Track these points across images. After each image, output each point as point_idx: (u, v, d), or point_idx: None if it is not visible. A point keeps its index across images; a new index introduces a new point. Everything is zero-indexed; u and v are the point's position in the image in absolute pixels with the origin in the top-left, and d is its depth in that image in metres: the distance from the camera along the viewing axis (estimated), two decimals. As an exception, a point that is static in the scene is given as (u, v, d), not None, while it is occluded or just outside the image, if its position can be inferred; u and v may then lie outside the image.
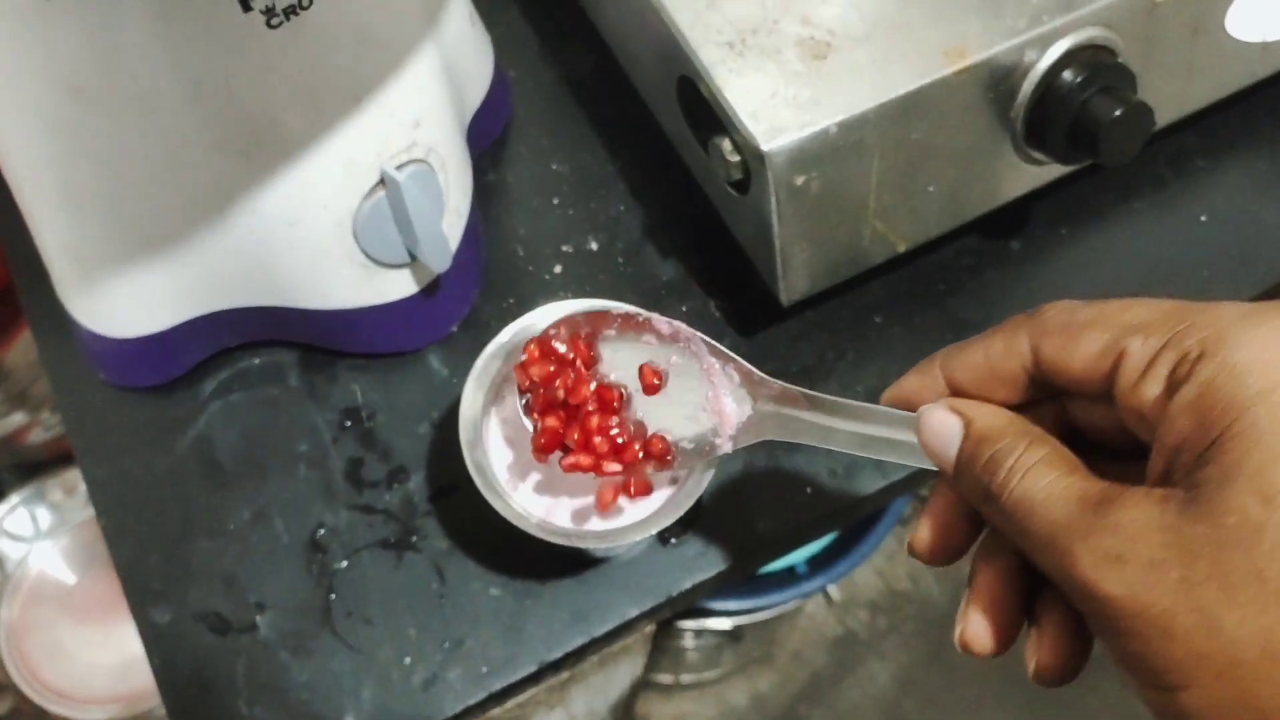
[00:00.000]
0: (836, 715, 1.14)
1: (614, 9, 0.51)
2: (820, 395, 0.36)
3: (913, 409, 0.32)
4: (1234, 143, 0.54)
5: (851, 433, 0.34)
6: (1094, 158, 0.44)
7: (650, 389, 0.39)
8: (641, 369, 0.39)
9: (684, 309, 0.51)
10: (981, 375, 0.31)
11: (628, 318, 0.39)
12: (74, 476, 0.88)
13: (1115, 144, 0.43)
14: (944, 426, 0.30)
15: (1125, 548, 0.24)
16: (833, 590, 1.07)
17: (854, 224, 0.45)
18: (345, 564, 0.46)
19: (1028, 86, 0.44)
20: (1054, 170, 0.48)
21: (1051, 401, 0.31)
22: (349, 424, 0.48)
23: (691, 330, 0.39)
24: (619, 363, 0.39)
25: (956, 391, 0.32)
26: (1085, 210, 0.53)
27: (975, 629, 0.29)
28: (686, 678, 1.07)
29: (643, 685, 0.98)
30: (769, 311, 0.50)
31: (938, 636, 1.18)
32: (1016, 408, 0.31)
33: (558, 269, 0.52)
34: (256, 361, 0.49)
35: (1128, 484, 0.25)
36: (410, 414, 0.48)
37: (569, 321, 0.40)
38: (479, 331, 0.50)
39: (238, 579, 0.45)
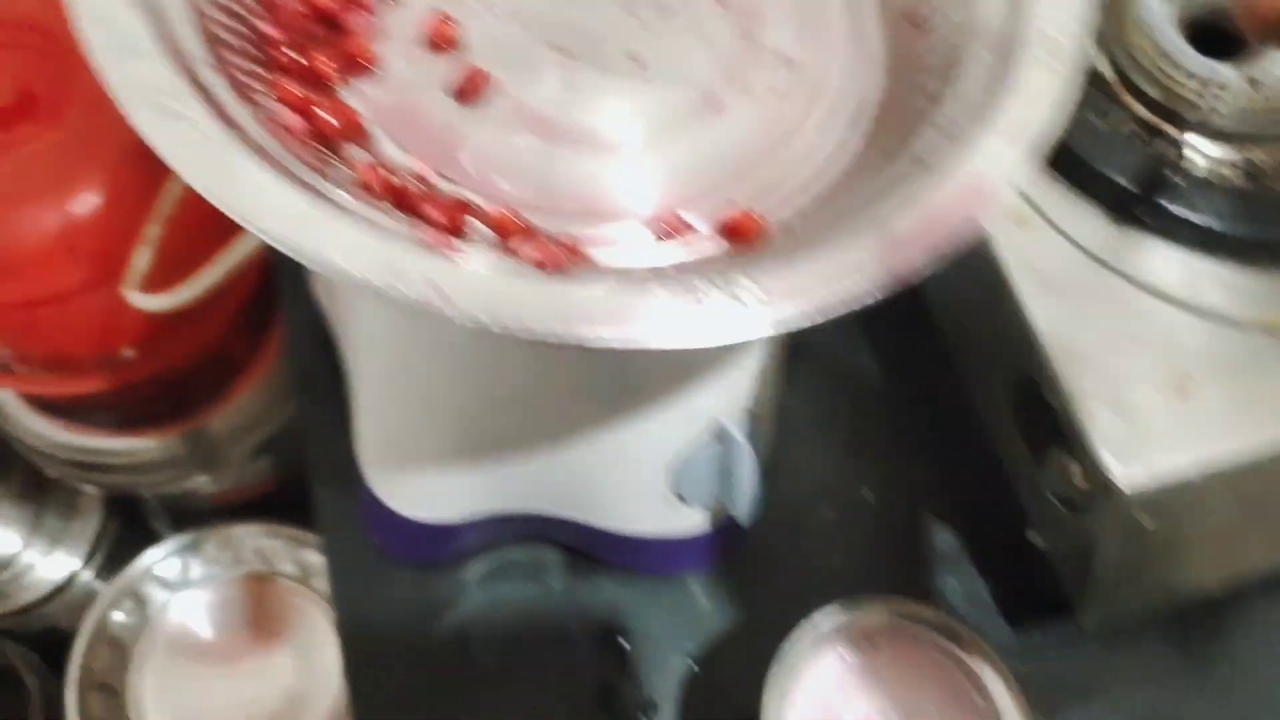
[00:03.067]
0: None
1: (964, 289, 0.49)
2: None
3: None
4: None
5: None
6: None
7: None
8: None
9: (950, 581, 0.49)
10: None
11: None
12: (235, 532, 0.87)
13: None
14: None
15: None
16: None
17: (1180, 563, 0.43)
18: (580, 792, 0.44)
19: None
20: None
21: None
22: (606, 643, 0.47)
23: None
24: None
25: None
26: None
27: None
28: None
29: None
30: (1046, 606, 0.48)
31: None
32: None
33: (830, 514, 0.50)
34: (521, 556, 0.49)
35: None
36: (667, 643, 0.47)
37: None
38: (746, 567, 0.49)
39: (473, 786, 0.44)
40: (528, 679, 0.46)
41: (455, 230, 0.28)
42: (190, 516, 0.92)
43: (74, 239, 0.56)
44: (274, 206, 0.23)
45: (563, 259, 0.26)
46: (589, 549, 0.48)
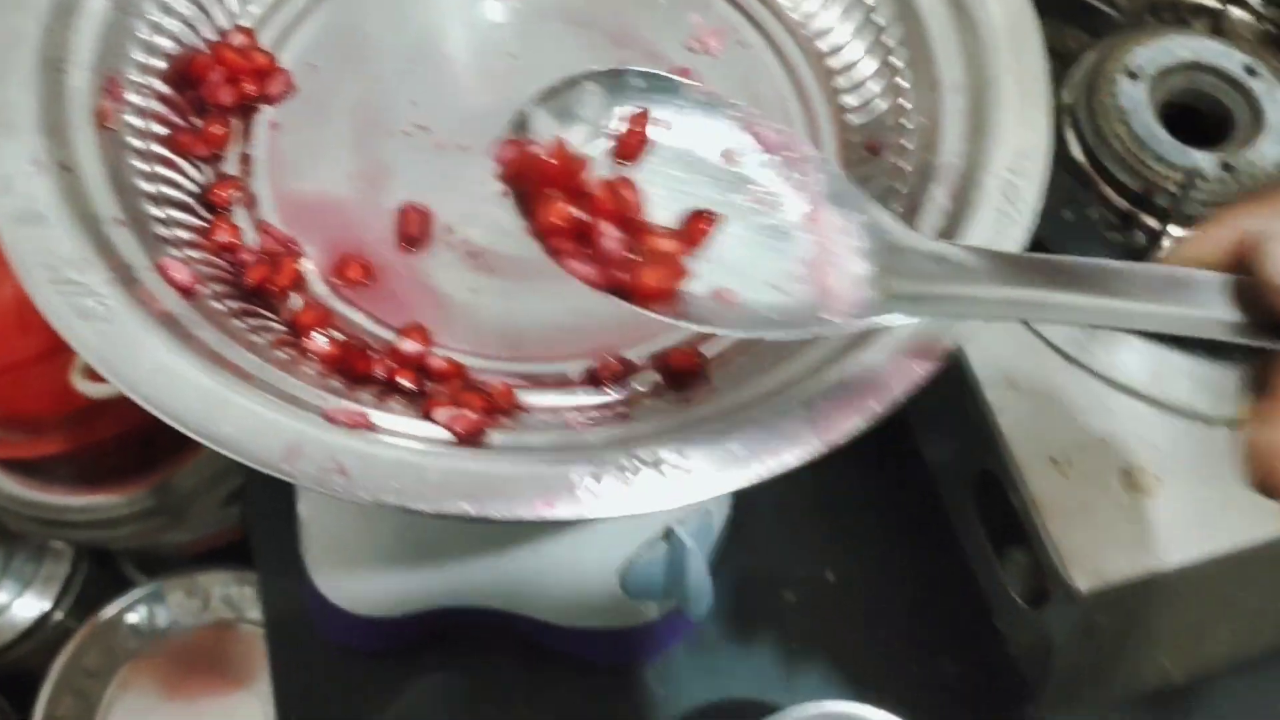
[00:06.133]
0: None
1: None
2: (1025, 256, 0.24)
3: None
4: None
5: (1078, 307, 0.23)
6: None
7: (694, 237, 0.25)
8: (689, 217, 0.26)
9: (915, 668, 0.48)
10: None
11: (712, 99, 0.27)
12: (203, 580, 0.86)
13: None
14: None
15: None
16: None
17: (1139, 659, 0.43)
18: None
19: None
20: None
21: None
22: (560, 735, 0.46)
23: (812, 149, 0.26)
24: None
25: None
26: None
27: None
28: None
29: None
30: (1010, 695, 0.47)
31: None
32: None
33: (790, 595, 0.50)
34: (470, 646, 0.48)
35: None
36: (622, 735, 0.46)
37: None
38: (700, 653, 0.48)
39: None
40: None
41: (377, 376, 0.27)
42: (160, 563, 0.91)
43: (27, 312, 0.55)
44: (175, 386, 0.22)
45: (482, 426, 0.25)
46: (539, 639, 0.47)
